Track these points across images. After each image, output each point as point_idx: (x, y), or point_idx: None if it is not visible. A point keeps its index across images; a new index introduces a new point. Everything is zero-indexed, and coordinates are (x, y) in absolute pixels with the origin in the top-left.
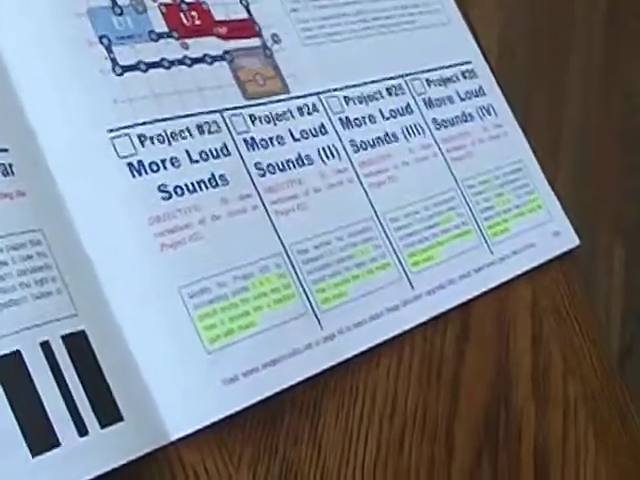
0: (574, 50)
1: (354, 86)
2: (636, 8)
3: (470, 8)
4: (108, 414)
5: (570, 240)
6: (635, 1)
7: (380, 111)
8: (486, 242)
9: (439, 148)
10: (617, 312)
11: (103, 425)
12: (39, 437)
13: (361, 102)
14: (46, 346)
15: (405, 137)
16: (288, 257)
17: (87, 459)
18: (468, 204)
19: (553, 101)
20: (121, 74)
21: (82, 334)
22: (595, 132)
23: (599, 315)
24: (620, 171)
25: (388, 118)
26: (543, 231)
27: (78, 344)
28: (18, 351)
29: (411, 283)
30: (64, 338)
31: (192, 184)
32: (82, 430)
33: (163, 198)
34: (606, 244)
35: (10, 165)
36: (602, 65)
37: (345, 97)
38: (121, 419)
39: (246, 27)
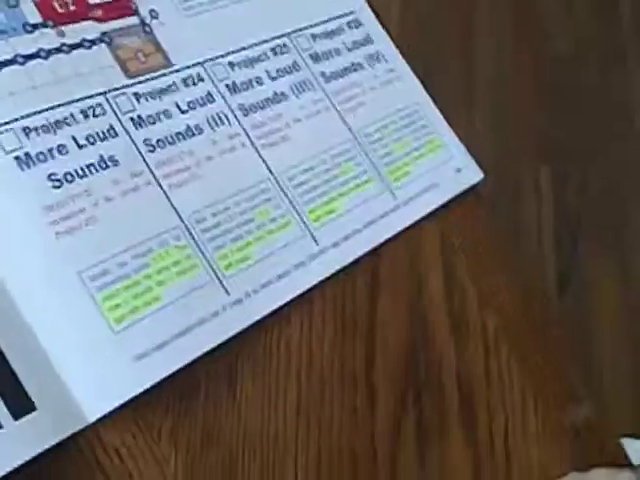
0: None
1: (237, 51)
2: None
3: None
4: (20, 405)
5: (474, 175)
6: None
7: (266, 72)
8: (388, 188)
9: (330, 101)
10: (550, 237)
11: (16, 417)
12: None
13: (246, 66)
14: None
15: (295, 94)
16: (187, 228)
17: (5, 451)
18: (366, 153)
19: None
20: None
21: None
22: (510, 63)
23: (529, 244)
24: (539, 92)
25: (275, 78)
26: (445, 170)
27: None
28: None
29: (314, 238)
30: None
31: (82, 169)
32: None
33: (54, 187)
34: (532, 170)
35: None
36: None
37: (229, 63)
38: (34, 408)
39: (122, 6)
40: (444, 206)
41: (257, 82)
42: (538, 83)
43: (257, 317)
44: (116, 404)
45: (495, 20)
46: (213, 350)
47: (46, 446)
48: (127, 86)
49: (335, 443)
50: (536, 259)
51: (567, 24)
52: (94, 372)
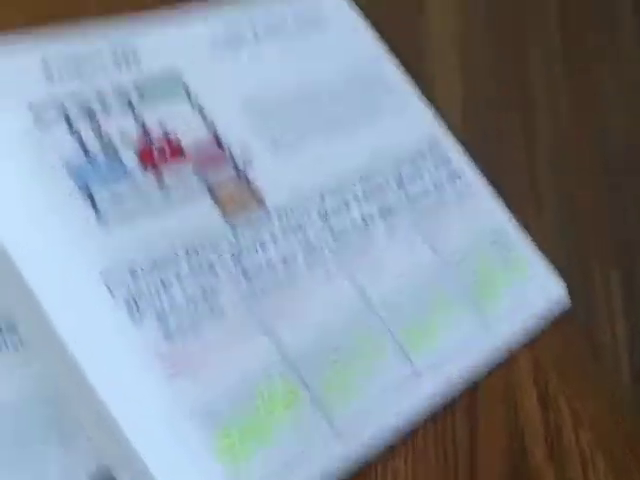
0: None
1: (327, 182)
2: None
3: (429, 80)
4: None
5: (560, 293)
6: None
7: (355, 197)
8: (478, 311)
9: (417, 225)
10: (623, 339)
11: None
12: None
13: (335, 194)
14: None
15: (383, 219)
16: (292, 365)
17: None
18: (454, 277)
19: (524, 138)
20: (105, 220)
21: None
22: (571, 163)
23: (604, 358)
24: (603, 194)
25: (363, 204)
26: (532, 289)
27: None
28: None
29: (411, 362)
30: None
31: (189, 311)
32: None
33: (165, 334)
34: (601, 272)
35: (15, 324)
36: (570, 100)
37: (320, 195)
38: None
39: (216, 150)
40: (534, 328)
41: (347, 208)
42: (605, 178)
43: (364, 451)
44: None
45: (554, 113)
46: None
47: None
48: (227, 229)
49: None
50: (612, 368)
51: (629, 110)
52: None
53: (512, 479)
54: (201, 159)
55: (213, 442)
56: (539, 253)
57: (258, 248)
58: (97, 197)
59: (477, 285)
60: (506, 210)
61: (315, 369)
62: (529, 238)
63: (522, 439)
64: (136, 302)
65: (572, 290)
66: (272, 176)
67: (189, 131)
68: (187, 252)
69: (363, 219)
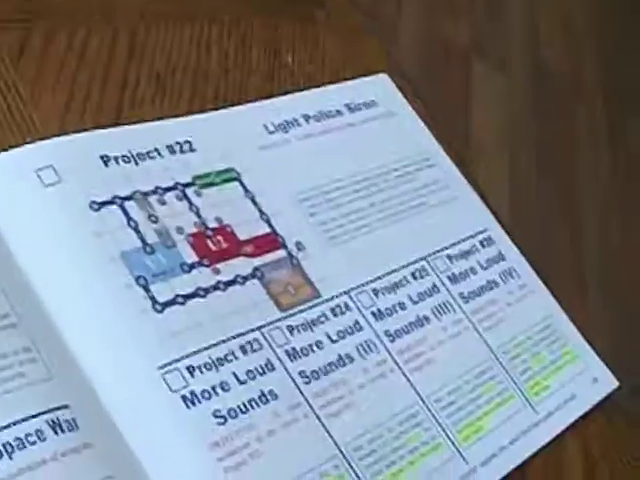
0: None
1: (380, 277)
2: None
3: (477, 173)
4: None
5: (609, 383)
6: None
7: (409, 296)
8: (529, 403)
9: (470, 321)
10: None
11: None
12: None
13: (389, 292)
14: None
15: (436, 317)
16: (344, 457)
17: None
18: (506, 369)
19: (572, 234)
20: (161, 311)
21: None
22: (618, 254)
23: None
24: None
25: (417, 302)
26: (582, 381)
27: None
28: None
29: (464, 458)
30: None
31: (244, 404)
32: None
33: (219, 423)
34: None
35: (74, 420)
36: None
37: (373, 290)
38: None
39: (270, 241)
40: (583, 417)
41: (400, 307)
42: None
43: None
44: None
45: (599, 196)
46: None
47: None
48: (280, 319)
49: None
50: None
51: None
52: None
53: None
54: (256, 250)
55: None
56: (587, 340)
57: (312, 341)
58: (153, 288)
59: (528, 377)
60: (554, 300)
61: (369, 465)
62: (576, 323)
63: None
64: (193, 395)
65: (618, 370)
66: (326, 268)
67: (243, 220)
68: (242, 347)
69: (417, 317)
